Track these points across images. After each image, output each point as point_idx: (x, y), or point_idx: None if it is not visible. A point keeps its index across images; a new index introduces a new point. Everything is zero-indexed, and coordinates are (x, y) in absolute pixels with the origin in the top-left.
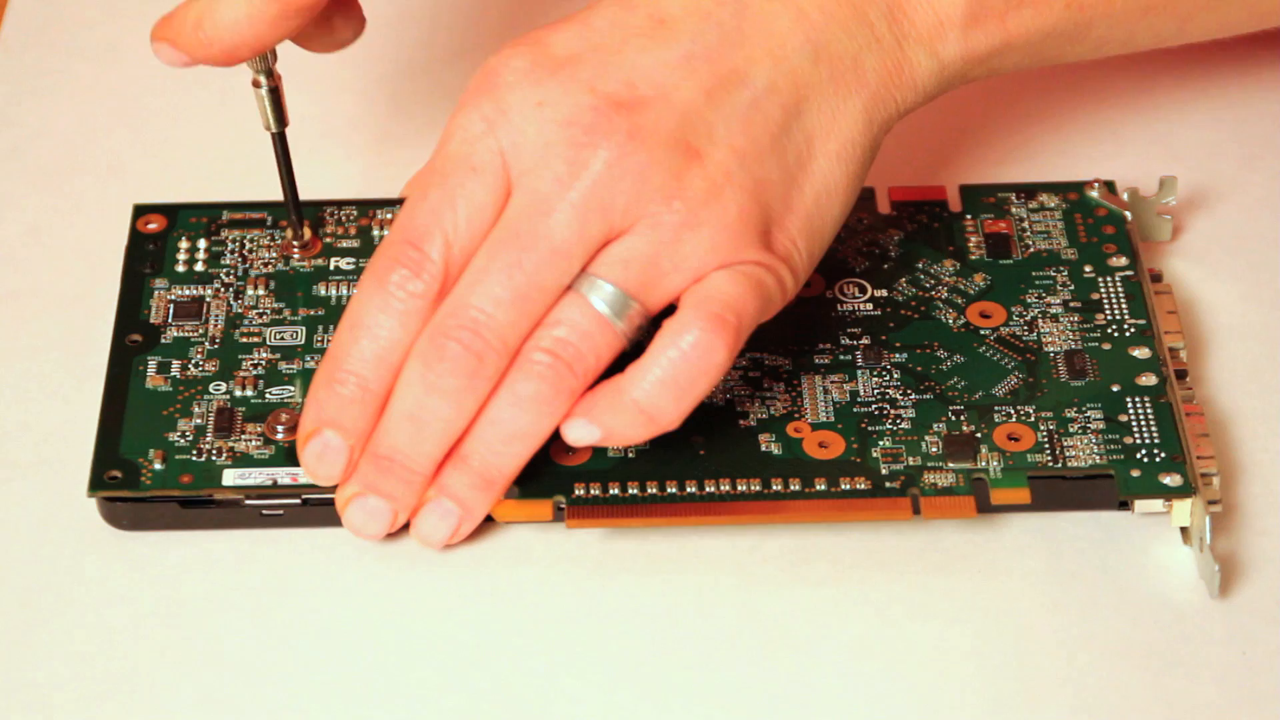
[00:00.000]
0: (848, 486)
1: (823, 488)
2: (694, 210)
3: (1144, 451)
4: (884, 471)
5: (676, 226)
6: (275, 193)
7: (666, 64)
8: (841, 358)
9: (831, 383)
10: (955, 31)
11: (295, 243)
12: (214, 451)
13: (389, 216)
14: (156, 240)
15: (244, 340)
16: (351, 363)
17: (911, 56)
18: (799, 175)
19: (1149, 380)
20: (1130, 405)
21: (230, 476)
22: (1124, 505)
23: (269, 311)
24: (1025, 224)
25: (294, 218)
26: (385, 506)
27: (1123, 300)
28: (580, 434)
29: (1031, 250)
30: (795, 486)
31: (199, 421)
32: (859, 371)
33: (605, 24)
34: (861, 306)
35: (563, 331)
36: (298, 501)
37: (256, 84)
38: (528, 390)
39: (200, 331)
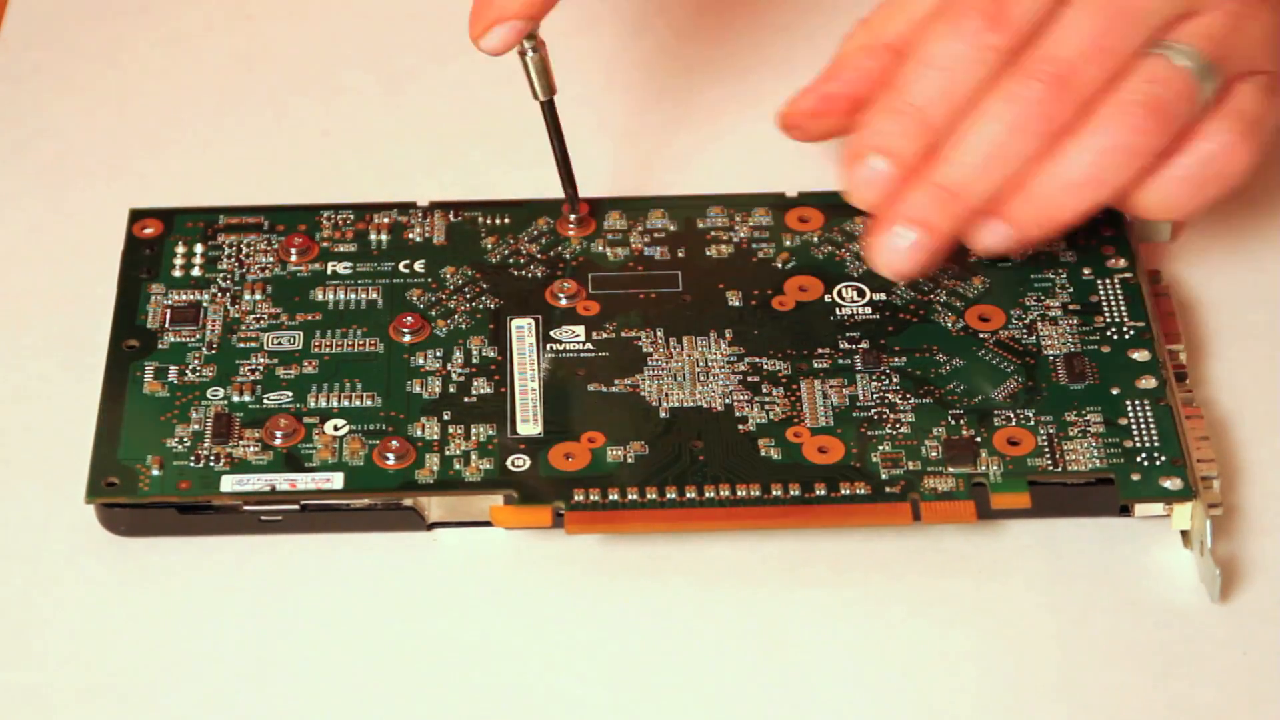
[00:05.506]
0: (847, 492)
1: (822, 493)
2: (1256, 4)
3: (1144, 455)
4: (884, 476)
5: (1239, 14)
6: (272, 197)
7: None
8: (840, 362)
9: (830, 387)
10: None
11: (571, 216)
12: (212, 457)
13: (385, 221)
14: (153, 245)
15: (241, 345)
16: (915, 95)
17: None
18: None
19: (1149, 383)
20: (1130, 408)
21: (228, 482)
22: (1124, 509)
23: (266, 316)
24: None
25: (569, 191)
26: (926, 239)
27: (1122, 302)
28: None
29: (1029, 252)
30: (795, 492)
31: (197, 427)
32: (858, 376)
33: None
34: (860, 310)
35: (1154, 88)
36: (296, 507)
37: (523, 53)
38: (1123, 128)
39: (197, 337)
